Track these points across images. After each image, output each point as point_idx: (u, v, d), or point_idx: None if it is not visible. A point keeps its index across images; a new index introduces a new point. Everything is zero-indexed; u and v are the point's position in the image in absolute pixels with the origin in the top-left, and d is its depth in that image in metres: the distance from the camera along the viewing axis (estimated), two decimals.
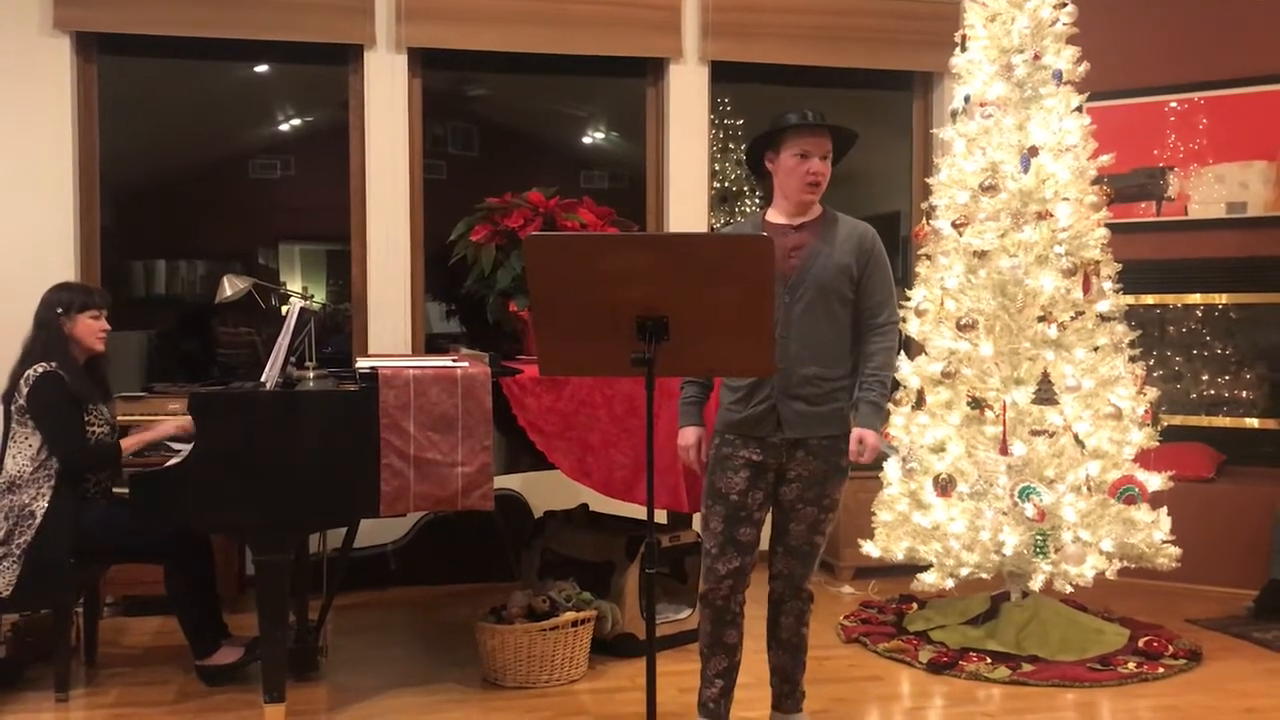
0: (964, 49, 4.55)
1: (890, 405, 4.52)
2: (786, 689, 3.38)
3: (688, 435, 3.32)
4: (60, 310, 3.86)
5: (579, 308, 2.67)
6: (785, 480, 3.20)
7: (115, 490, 3.93)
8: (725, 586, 3.22)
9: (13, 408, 3.78)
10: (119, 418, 4.14)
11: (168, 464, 3.63)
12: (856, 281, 3.18)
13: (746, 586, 3.26)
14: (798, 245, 3.17)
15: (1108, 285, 4.33)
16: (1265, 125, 5.33)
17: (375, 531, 5.08)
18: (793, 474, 3.19)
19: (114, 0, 5.01)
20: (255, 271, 5.70)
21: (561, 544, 4.53)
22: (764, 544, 3.31)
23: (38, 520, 3.70)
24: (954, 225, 4.39)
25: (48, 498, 3.73)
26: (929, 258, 4.56)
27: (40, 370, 3.74)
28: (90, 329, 3.90)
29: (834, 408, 3.18)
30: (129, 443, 3.88)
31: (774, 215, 3.28)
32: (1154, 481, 4.23)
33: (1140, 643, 4.23)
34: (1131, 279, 4.55)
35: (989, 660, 4.08)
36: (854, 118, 6.77)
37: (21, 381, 3.75)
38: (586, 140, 7.19)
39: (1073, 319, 4.26)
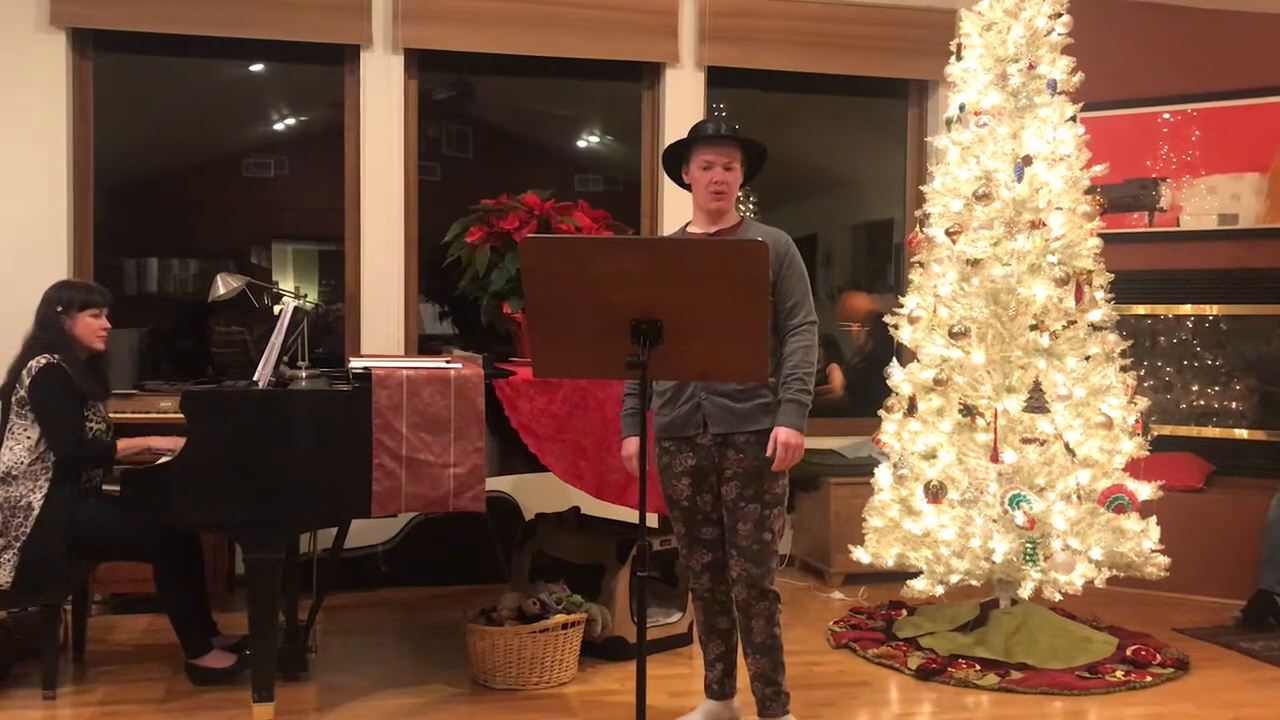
0: (959, 57, 4.57)
1: (882, 411, 4.55)
2: (770, 692, 3.39)
3: (629, 445, 3.43)
4: (60, 308, 3.85)
5: (573, 310, 2.68)
6: (724, 480, 3.30)
7: (105, 488, 3.92)
8: (705, 579, 3.42)
9: (13, 399, 3.77)
10: (110, 415, 4.13)
11: (159, 461, 3.62)
12: (773, 284, 3.26)
13: (728, 576, 3.38)
14: None
15: (1099, 295, 4.34)
16: (1257, 137, 5.36)
17: (365, 532, 5.08)
18: (729, 473, 3.29)
19: None
20: (248, 271, 5.67)
21: (552, 546, 4.53)
22: None
23: (35, 513, 3.69)
24: (947, 233, 4.41)
25: (44, 491, 3.72)
26: (922, 265, 4.57)
27: (43, 362, 3.74)
28: (90, 328, 3.89)
29: (757, 404, 3.25)
30: (125, 444, 3.86)
31: (694, 226, 3.43)
32: (1143, 491, 4.25)
33: (1128, 651, 4.24)
34: (1123, 289, 4.57)
35: (978, 667, 4.09)
36: (849, 124, 6.79)
37: (24, 373, 3.75)
38: (581, 144, 7.18)
39: (1064, 328, 4.27)
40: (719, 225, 3.35)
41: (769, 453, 3.20)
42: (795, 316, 3.28)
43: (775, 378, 3.27)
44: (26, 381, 3.74)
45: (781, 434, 3.19)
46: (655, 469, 3.41)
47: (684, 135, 3.39)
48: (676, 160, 3.39)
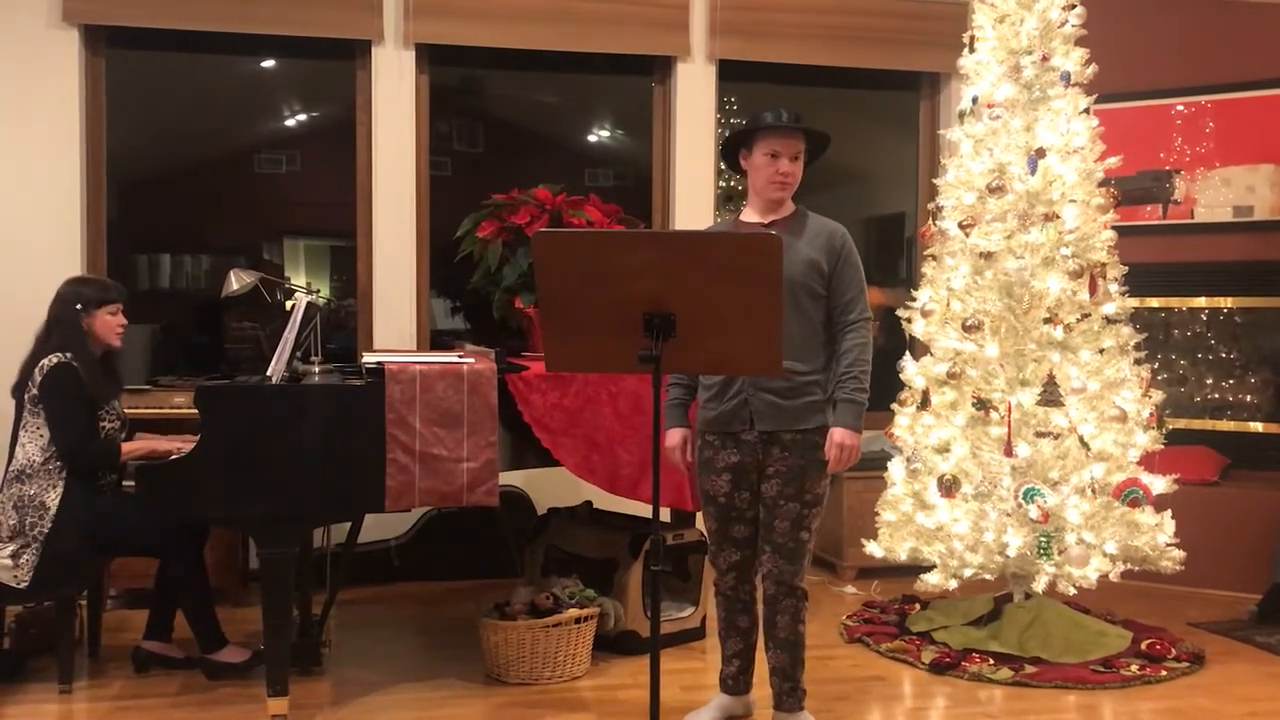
0: (972, 50, 4.55)
1: (895, 405, 4.54)
2: (787, 687, 3.39)
3: (673, 437, 3.40)
4: (79, 306, 3.83)
5: (586, 304, 2.68)
6: (765, 477, 3.26)
7: (125, 484, 3.93)
8: (730, 578, 3.40)
9: (26, 398, 3.77)
10: (124, 411, 4.14)
11: (173, 457, 3.63)
12: (827, 278, 3.24)
13: (754, 575, 3.40)
14: None
15: (1114, 287, 4.32)
16: (1272, 129, 5.32)
17: (379, 527, 5.08)
18: (771, 470, 3.25)
19: None
20: (259, 266, 5.68)
21: (565, 541, 4.53)
22: None
23: (52, 511, 3.70)
24: (960, 226, 4.39)
25: (60, 489, 3.73)
26: (935, 258, 4.56)
27: (55, 361, 3.74)
28: (109, 325, 3.89)
29: (806, 401, 3.22)
30: (129, 449, 3.85)
31: (748, 214, 3.39)
32: (1158, 484, 4.23)
33: (1143, 645, 4.23)
34: (1137, 282, 4.55)
35: (991, 661, 4.08)
36: (860, 117, 6.76)
37: (36, 371, 3.75)
38: (592, 138, 7.18)
39: (1078, 321, 4.26)
40: (775, 215, 3.31)
41: (825, 454, 3.18)
42: (850, 312, 3.24)
43: (825, 375, 3.25)
44: (38, 379, 3.74)
45: (837, 435, 3.17)
46: (676, 460, 3.40)
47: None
48: (734, 144, 3.33)
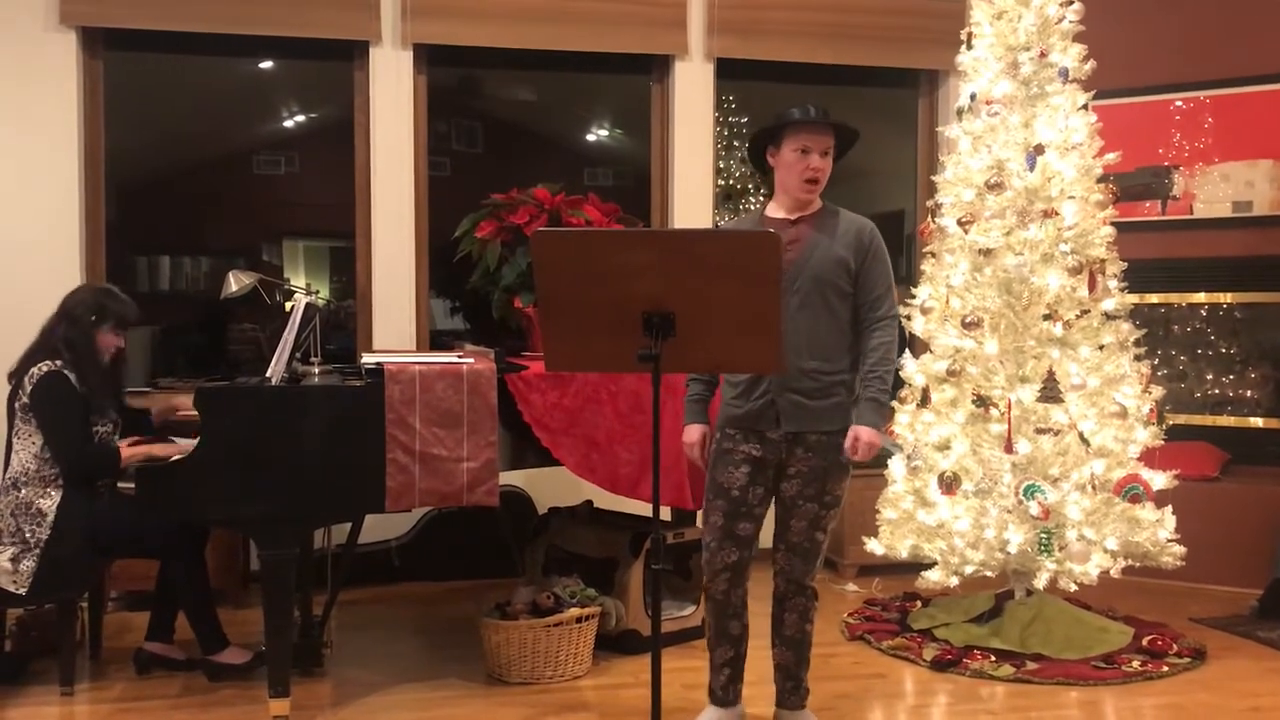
0: (970, 46, 4.55)
1: (895, 403, 4.53)
2: (790, 686, 3.38)
3: (692, 433, 3.37)
4: (94, 317, 3.84)
5: (585, 303, 2.68)
6: (786, 476, 3.23)
7: (121, 485, 3.93)
8: (723, 580, 3.28)
9: (16, 405, 3.76)
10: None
11: (173, 459, 3.63)
12: (854, 275, 3.21)
13: (746, 580, 3.33)
14: (795, 239, 3.20)
15: (1113, 284, 4.33)
16: (1271, 124, 5.32)
17: (379, 527, 5.08)
18: (793, 470, 3.22)
19: None
20: (259, 268, 5.68)
21: (566, 540, 4.53)
22: (768, 541, 3.34)
23: (50, 517, 3.69)
24: (959, 223, 4.39)
25: (57, 494, 3.72)
26: (934, 255, 4.56)
27: (45, 369, 3.73)
28: (108, 343, 3.90)
29: (833, 402, 3.20)
30: (128, 454, 3.82)
31: (774, 210, 3.33)
32: (1158, 480, 4.23)
33: (1144, 641, 4.23)
34: (1136, 277, 4.55)
35: (993, 658, 4.08)
36: (859, 115, 6.77)
37: (25, 379, 3.74)
38: (590, 138, 7.19)
39: (1078, 317, 4.26)
40: (802, 212, 3.27)
41: (847, 447, 3.16)
42: (879, 309, 3.21)
43: (852, 374, 3.23)
44: (28, 387, 3.73)
45: (864, 434, 3.15)
46: (694, 457, 3.38)
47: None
48: (762, 141, 3.28)
